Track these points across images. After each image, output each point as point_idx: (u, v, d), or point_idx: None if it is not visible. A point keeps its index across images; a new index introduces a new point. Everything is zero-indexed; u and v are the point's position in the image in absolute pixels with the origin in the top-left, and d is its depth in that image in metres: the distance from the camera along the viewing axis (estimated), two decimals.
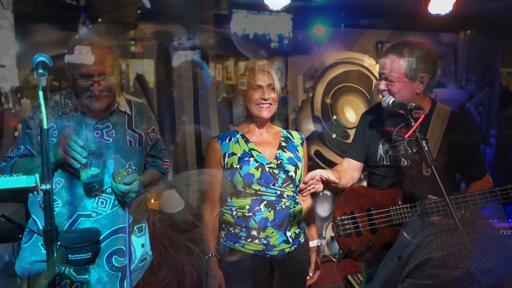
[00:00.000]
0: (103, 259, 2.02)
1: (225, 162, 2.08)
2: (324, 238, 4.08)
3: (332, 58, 4.05)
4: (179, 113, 3.65)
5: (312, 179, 1.91)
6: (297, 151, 2.18)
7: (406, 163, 1.99)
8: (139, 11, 3.23)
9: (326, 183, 1.96)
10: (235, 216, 2.05)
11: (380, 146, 2.12)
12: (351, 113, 4.22)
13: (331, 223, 2.19)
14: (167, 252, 2.14)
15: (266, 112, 2.08)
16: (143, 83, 6.20)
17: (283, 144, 2.16)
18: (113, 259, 2.04)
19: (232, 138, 2.13)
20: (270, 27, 3.55)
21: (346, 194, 2.21)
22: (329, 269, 2.48)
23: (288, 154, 2.12)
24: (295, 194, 2.11)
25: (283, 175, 2.06)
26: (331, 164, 4.01)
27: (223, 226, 2.12)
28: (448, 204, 1.55)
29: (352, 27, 4.06)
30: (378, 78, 2.10)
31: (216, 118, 3.63)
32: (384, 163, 2.13)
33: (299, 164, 2.12)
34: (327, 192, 4.17)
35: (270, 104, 2.08)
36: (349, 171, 2.23)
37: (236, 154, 2.07)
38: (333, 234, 2.20)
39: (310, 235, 2.29)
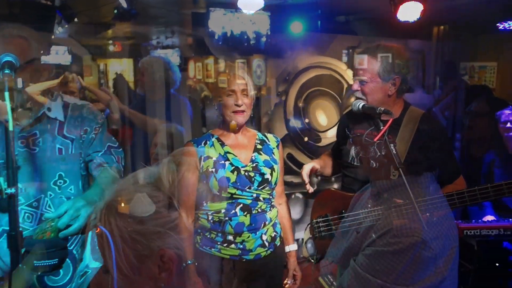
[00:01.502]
0: (34, 279, 1.81)
1: (201, 166, 2.05)
2: (303, 239, 4.12)
3: (304, 62, 4.12)
4: (151, 112, 3.57)
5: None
6: (273, 153, 2.17)
7: (374, 165, 2.01)
8: (115, 11, 3.23)
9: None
10: (211, 221, 2.04)
11: (353, 147, 2.18)
12: (323, 116, 4.27)
13: (309, 225, 2.24)
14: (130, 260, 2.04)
15: (240, 118, 2.07)
16: (121, 83, 6.16)
17: (259, 146, 2.16)
18: (45, 279, 1.85)
19: (208, 142, 2.11)
20: (248, 26, 3.60)
21: (322, 197, 2.29)
22: (306, 270, 2.51)
23: (263, 157, 2.12)
24: (271, 197, 2.11)
25: (259, 178, 2.05)
26: (300, 164, 4.03)
27: (199, 231, 2.10)
28: (414, 207, 1.55)
29: (325, 32, 4.16)
30: (353, 79, 2.13)
31: (188, 118, 3.58)
32: (355, 163, 2.17)
33: (275, 166, 2.12)
34: (299, 195, 4.23)
35: (243, 111, 2.06)
36: (334, 161, 2.38)
37: (211, 158, 2.05)
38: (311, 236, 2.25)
39: (286, 239, 2.27)
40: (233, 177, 2.00)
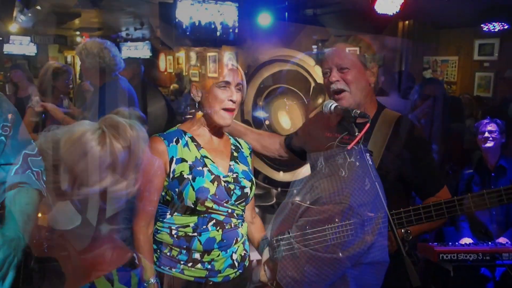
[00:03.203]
0: None
1: (172, 169, 1.72)
2: (261, 261, 3.54)
3: (266, 54, 3.54)
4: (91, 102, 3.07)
5: None
6: (248, 163, 1.90)
7: (344, 173, 1.73)
8: None
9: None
10: (175, 236, 1.73)
11: (323, 153, 1.87)
12: (286, 118, 3.63)
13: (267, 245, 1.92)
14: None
15: (230, 117, 1.77)
16: None
17: (235, 154, 1.87)
18: None
19: (180, 140, 1.77)
20: (216, 16, 3.58)
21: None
22: None
23: (241, 167, 1.84)
24: (243, 213, 1.86)
25: (238, 192, 1.77)
26: (259, 175, 3.47)
27: (155, 247, 1.79)
28: (388, 220, 1.39)
29: (293, 21, 3.97)
30: (324, 73, 1.86)
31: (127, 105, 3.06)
32: (323, 171, 1.90)
33: (253, 179, 1.86)
34: (256, 209, 3.56)
35: (234, 109, 1.78)
36: (277, 142, 2.17)
37: (186, 161, 1.73)
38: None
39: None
40: (212, 188, 1.70)
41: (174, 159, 1.73)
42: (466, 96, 4.35)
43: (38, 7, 4.66)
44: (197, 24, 3.53)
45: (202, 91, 1.78)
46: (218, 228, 1.72)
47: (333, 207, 1.19)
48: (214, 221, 1.72)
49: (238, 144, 1.93)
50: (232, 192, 1.75)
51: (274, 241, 1.56)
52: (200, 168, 1.72)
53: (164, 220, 1.75)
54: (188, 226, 1.71)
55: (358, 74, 1.78)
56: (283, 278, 1.35)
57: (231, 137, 1.94)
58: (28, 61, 6.94)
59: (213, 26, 3.58)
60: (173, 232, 1.74)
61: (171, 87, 7.50)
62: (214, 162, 1.77)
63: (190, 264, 1.72)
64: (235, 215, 1.78)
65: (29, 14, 4.91)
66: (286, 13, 3.87)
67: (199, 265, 1.72)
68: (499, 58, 4.46)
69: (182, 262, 1.72)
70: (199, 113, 1.81)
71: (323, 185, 1.30)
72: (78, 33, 8.34)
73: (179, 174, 1.70)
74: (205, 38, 3.63)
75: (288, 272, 1.27)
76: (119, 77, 2.86)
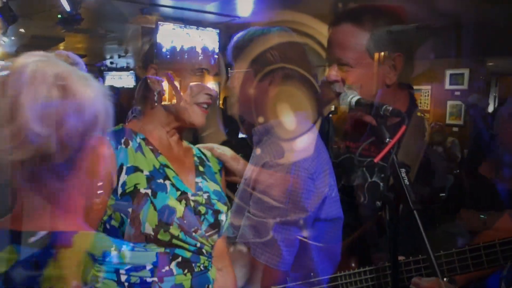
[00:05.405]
0: None
1: (122, 182, 1.26)
2: None
3: None
4: None
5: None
6: (218, 181, 1.45)
7: (363, 199, 1.35)
8: (59, 16, 3.23)
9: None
10: (125, 284, 1.17)
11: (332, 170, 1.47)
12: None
13: None
14: None
15: (204, 116, 1.34)
16: None
17: (201, 168, 1.42)
18: None
19: (130, 142, 1.31)
20: (197, 42, 3.69)
21: None
22: None
23: (212, 185, 1.39)
24: (211, 250, 1.41)
25: (210, 218, 1.32)
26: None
27: None
28: (433, 265, 0.96)
29: None
30: (323, 64, 1.43)
31: None
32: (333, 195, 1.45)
33: (228, 204, 1.43)
34: (242, 247, 2.80)
35: (210, 104, 1.38)
36: None
37: (141, 171, 1.28)
38: None
39: None
40: (180, 209, 1.28)
41: (124, 167, 1.26)
42: (438, 124, 4.51)
43: (22, 30, 4.73)
44: (178, 48, 3.64)
45: (167, 77, 1.35)
46: (186, 270, 1.27)
47: (278, 168, 1.05)
48: (179, 259, 1.28)
49: (203, 156, 1.47)
50: (203, 217, 1.31)
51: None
52: (161, 180, 1.28)
53: (107, 260, 1.15)
54: (144, 268, 1.17)
55: (366, 75, 1.31)
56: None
57: (193, 146, 1.48)
58: None
59: (194, 52, 3.69)
60: (122, 278, 1.14)
61: None
62: (177, 175, 1.33)
63: None
64: (204, 252, 1.33)
65: (12, 38, 4.98)
66: None
67: None
68: (469, 87, 4.68)
69: None
70: (157, 107, 1.32)
71: (267, 147, 1.15)
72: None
73: (132, 188, 1.24)
74: (185, 62, 3.74)
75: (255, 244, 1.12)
76: None
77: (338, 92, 1.30)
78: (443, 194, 1.07)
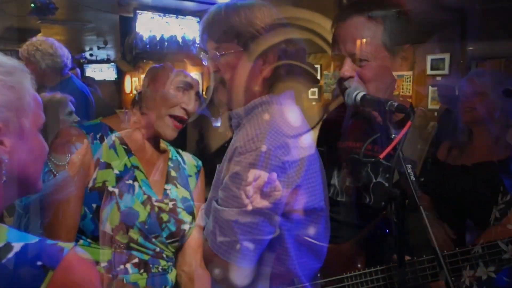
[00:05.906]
0: None
1: (94, 177, 1.25)
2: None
3: None
4: None
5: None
6: (189, 186, 1.42)
7: (368, 200, 1.31)
8: (32, 5, 3.12)
9: None
10: None
11: (336, 172, 1.39)
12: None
13: None
14: None
15: (176, 131, 1.33)
16: None
17: (173, 173, 1.38)
18: None
19: (105, 138, 1.31)
20: (177, 30, 3.63)
21: None
22: None
23: (181, 192, 1.37)
24: (173, 255, 1.39)
25: (172, 227, 1.30)
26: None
27: None
28: (441, 263, 0.98)
29: None
30: (334, 59, 1.35)
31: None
32: (339, 198, 1.38)
33: (195, 211, 1.39)
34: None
35: (185, 120, 1.33)
36: None
37: (112, 168, 1.26)
38: None
39: None
40: (143, 214, 1.25)
41: (99, 161, 1.26)
42: (421, 109, 4.56)
43: None
44: (158, 37, 3.57)
45: (150, 82, 1.33)
46: (142, 270, 1.27)
47: (249, 155, 1.00)
48: (136, 260, 1.27)
49: (179, 159, 1.43)
50: (164, 225, 1.29)
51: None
52: (130, 181, 1.27)
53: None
54: (98, 264, 1.22)
55: (383, 69, 1.26)
56: (214, 245, 1.05)
57: (171, 148, 1.45)
58: None
59: (174, 41, 3.63)
60: None
61: None
62: (147, 178, 1.31)
63: None
64: (164, 256, 1.32)
65: None
66: None
67: None
68: (450, 72, 4.72)
69: None
70: (135, 108, 1.35)
71: (240, 133, 1.10)
72: None
73: (101, 184, 1.23)
74: (165, 51, 3.67)
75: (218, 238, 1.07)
76: (70, 75, 2.76)
77: (344, 88, 1.25)
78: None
